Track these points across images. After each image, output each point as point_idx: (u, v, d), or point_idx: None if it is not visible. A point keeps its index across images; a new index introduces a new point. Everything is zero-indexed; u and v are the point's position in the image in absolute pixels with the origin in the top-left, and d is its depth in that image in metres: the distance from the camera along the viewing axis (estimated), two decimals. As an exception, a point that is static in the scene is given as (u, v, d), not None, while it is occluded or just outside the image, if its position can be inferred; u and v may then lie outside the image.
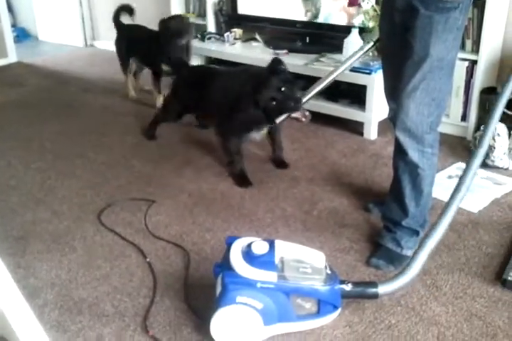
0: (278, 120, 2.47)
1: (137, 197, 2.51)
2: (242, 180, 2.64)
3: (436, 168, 2.01)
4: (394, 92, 1.97)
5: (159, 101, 3.55)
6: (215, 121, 2.83)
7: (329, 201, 2.45)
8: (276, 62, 2.52)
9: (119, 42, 3.83)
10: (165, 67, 3.48)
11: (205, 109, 2.92)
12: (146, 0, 4.75)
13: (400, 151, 1.94)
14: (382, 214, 2.15)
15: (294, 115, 2.45)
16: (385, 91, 2.15)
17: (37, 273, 2.01)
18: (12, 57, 4.93)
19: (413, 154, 1.90)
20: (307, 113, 2.48)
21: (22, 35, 5.81)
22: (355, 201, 2.44)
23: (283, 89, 2.42)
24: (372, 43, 2.25)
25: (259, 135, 2.70)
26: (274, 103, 2.42)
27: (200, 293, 1.83)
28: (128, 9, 3.77)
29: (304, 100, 2.42)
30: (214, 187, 2.60)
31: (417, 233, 2.03)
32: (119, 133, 3.27)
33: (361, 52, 2.30)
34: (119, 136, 3.24)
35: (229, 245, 1.67)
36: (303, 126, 3.24)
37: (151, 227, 2.27)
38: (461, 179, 1.77)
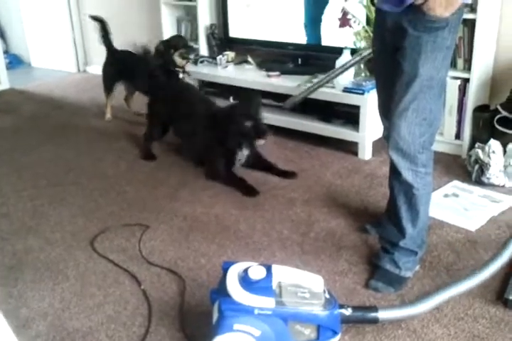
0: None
1: (131, 222, 2.48)
2: (247, 189, 2.74)
3: (431, 188, 1.99)
4: (387, 112, 1.96)
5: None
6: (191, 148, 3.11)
7: (326, 222, 2.42)
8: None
9: (107, 66, 3.89)
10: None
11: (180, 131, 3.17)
12: (138, 24, 4.79)
13: (394, 171, 1.92)
14: (379, 235, 2.13)
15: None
16: (379, 110, 2.14)
17: (29, 302, 1.96)
18: (4, 83, 4.94)
19: (406, 174, 1.88)
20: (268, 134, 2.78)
21: (15, 61, 5.82)
22: (352, 222, 2.41)
23: (246, 123, 2.76)
24: (369, 51, 2.25)
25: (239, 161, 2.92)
26: (248, 127, 2.75)
27: (197, 321, 1.78)
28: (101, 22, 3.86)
29: (298, 99, 2.50)
30: (209, 210, 2.57)
31: (415, 253, 2.00)
32: (112, 158, 3.25)
33: (358, 58, 2.31)
34: (112, 160, 3.22)
35: (225, 270, 1.64)
36: (294, 147, 3.26)
37: (145, 253, 2.23)
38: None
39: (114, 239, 2.35)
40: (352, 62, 2.34)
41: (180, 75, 3.51)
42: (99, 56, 4.05)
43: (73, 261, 2.21)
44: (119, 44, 3.89)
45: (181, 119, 3.08)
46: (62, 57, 5.55)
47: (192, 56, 3.60)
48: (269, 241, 2.29)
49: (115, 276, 2.09)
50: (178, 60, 3.50)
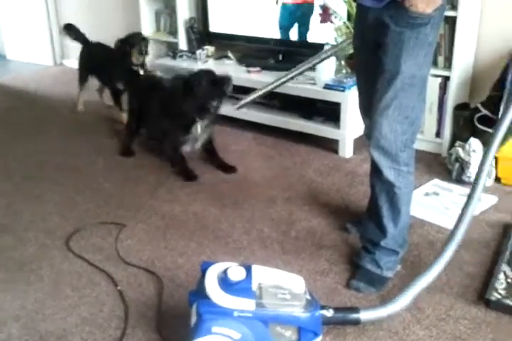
0: (240, 103, 2.70)
1: (107, 220, 2.42)
2: (187, 174, 2.82)
3: (413, 187, 1.97)
4: (369, 109, 1.93)
5: (123, 117, 3.55)
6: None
7: (307, 221, 2.39)
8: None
9: (81, 57, 3.90)
10: (121, 86, 3.55)
11: (149, 122, 3.13)
12: (116, 18, 4.69)
13: (375, 170, 1.90)
14: (360, 234, 2.11)
15: None
16: (360, 108, 2.12)
17: (0, 304, 1.90)
18: (-22, 76, 4.81)
19: (388, 173, 1.86)
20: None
21: (-12, 54, 5.68)
22: (333, 221, 2.39)
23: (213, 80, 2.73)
24: (344, 40, 2.23)
25: (195, 141, 2.90)
26: (204, 88, 2.71)
27: (175, 323, 1.74)
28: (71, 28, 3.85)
29: (277, 84, 2.59)
30: (187, 208, 2.53)
31: (396, 253, 1.98)
32: (89, 154, 3.18)
33: (334, 49, 2.30)
34: (89, 156, 3.15)
35: (204, 271, 1.59)
36: (274, 144, 3.22)
37: (122, 253, 2.18)
38: (462, 211, 1.81)
39: (90, 238, 2.29)
40: (316, 58, 2.32)
41: (141, 72, 3.52)
42: (76, 49, 3.95)
43: (47, 260, 2.14)
44: (98, 38, 3.81)
45: (150, 113, 3.07)
46: (38, 49, 5.42)
47: (149, 49, 3.58)
48: (249, 240, 2.25)
49: (91, 277, 2.03)
50: (134, 57, 3.50)
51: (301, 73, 2.66)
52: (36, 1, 5.20)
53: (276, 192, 2.68)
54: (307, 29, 3.43)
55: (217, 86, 2.74)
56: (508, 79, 2.72)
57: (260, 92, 2.67)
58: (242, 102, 2.69)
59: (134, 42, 3.51)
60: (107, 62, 3.60)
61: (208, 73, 2.80)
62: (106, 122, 3.68)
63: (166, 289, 1.94)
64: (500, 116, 1.81)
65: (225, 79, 2.74)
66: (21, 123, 3.72)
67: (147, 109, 3.07)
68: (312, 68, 3.16)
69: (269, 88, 2.68)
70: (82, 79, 3.88)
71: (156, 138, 3.10)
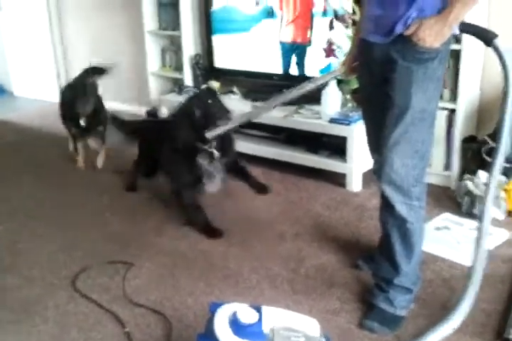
0: (211, 133, 2.42)
1: (114, 259, 2.38)
2: (210, 230, 2.57)
3: (424, 221, 1.94)
4: (377, 145, 1.92)
5: (79, 161, 3.57)
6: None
7: (316, 258, 2.35)
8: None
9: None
10: (73, 130, 3.50)
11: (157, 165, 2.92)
12: (123, 54, 4.75)
13: (386, 205, 1.87)
14: (372, 271, 2.06)
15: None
16: (368, 144, 2.10)
17: (4, 347, 1.85)
18: (-15, 113, 4.85)
19: (400, 208, 1.83)
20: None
21: (-4, 91, 5.74)
22: (344, 257, 2.34)
23: (209, 101, 2.53)
24: (336, 73, 2.24)
25: (212, 184, 2.64)
26: (199, 113, 2.49)
27: (184, 367, 1.69)
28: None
29: (274, 104, 2.44)
30: (195, 246, 2.49)
31: (410, 291, 1.93)
32: (95, 191, 3.16)
33: (321, 80, 2.30)
34: (95, 194, 3.13)
35: (213, 313, 1.55)
36: (281, 178, 3.20)
37: (129, 292, 2.13)
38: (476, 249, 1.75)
39: (97, 277, 2.25)
40: (322, 79, 2.32)
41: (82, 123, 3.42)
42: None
43: (53, 301, 2.10)
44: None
45: (158, 156, 2.85)
46: (44, 86, 5.48)
47: (89, 108, 3.38)
48: (259, 279, 2.21)
49: (97, 318, 1.99)
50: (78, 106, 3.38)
51: (287, 100, 2.63)
52: (43, 38, 5.29)
53: (285, 227, 2.64)
54: (302, 65, 3.45)
55: (211, 114, 2.50)
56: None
57: (248, 116, 2.58)
58: (230, 124, 2.47)
59: (76, 92, 3.41)
60: (67, 106, 3.52)
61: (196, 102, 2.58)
62: (110, 159, 3.66)
63: (174, 330, 1.89)
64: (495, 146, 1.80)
65: (217, 109, 2.54)
66: (25, 161, 3.71)
67: (154, 152, 2.87)
68: (316, 101, 3.18)
69: (258, 112, 2.66)
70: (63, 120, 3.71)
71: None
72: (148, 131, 3.07)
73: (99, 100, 3.51)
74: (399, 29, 1.69)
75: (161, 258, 2.39)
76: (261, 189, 2.75)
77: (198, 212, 2.62)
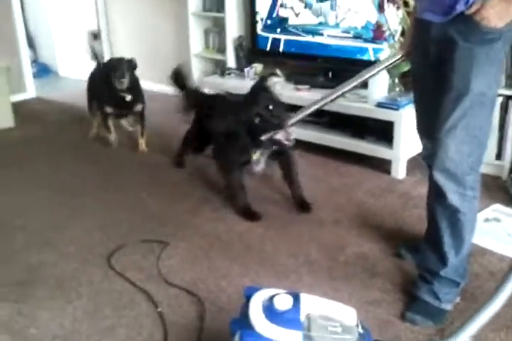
0: (263, 137, 2.36)
1: (150, 238, 2.35)
2: (248, 213, 2.51)
3: (477, 212, 1.82)
4: (429, 130, 1.81)
5: (112, 138, 3.52)
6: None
7: (357, 246, 2.26)
8: (261, 81, 2.57)
9: (88, 80, 3.73)
10: (109, 109, 3.42)
11: (209, 140, 2.86)
12: (166, 37, 4.71)
13: (437, 194, 1.76)
14: (417, 262, 1.96)
15: (277, 136, 2.35)
16: (418, 129, 1.98)
17: (39, 322, 1.84)
18: (31, 92, 4.90)
19: (453, 197, 1.72)
20: (291, 136, 2.39)
21: (42, 70, 5.80)
22: (386, 246, 2.25)
23: (270, 107, 2.38)
24: (394, 59, 2.10)
25: (257, 163, 2.55)
26: (259, 120, 2.35)
27: (216, 350, 1.64)
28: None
29: (325, 101, 2.33)
30: (232, 228, 2.44)
31: (457, 284, 1.83)
32: (133, 169, 3.15)
33: (382, 66, 2.16)
34: (133, 171, 3.12)
35: (248, 298, 1.48)
36: (323, 164, 3.11)
37: (163, 272, 2.10)
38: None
39: (132, 256, 2.22)
40: (372, 72, 2.18)
41: (127, 98, 3.34)
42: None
43: (87, 277, 2.09)
44: (149, 57, 3.79)
45: (210, 132, 2.76)
46: (89, 67, 5.50)
47: (126, 80, 3.28)
48: (296, 264, 2.14)
49: (131, 296, 1.96)
50: (116, 82, 3.28)
51: (350, 90, 2.53)
52: (88, 18, 5.30)
53: (325, 214, 2.56)
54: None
55: (268, 122, 2.37)
56: None
57: (308, 111, 2.53)
58: (291, 122, 2.51)
59: (112, 67, 3.31)
60: (100, 86, 3.46)
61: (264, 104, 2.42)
62: (151, 141, 3.61)
63: (207, 313, 1.84)
64: None
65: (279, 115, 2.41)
66: (70, 140, 3.73)
67: (208, 128, 2.75)
68: (363, 85, 3.05)
69: (318, 106, 2.55)
70: (89, 103, 3.73)
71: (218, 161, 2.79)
72: (210, 106, 2.85)
73: (135, 78, 3.42)
74: (460, 7, 1.57)
75: (196, 239, 2.35)
76: (302, 206, 2.59)
77: (241, 192, 2.57)
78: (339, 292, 1.94)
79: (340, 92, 2.33)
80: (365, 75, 2.24)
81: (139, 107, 3.45)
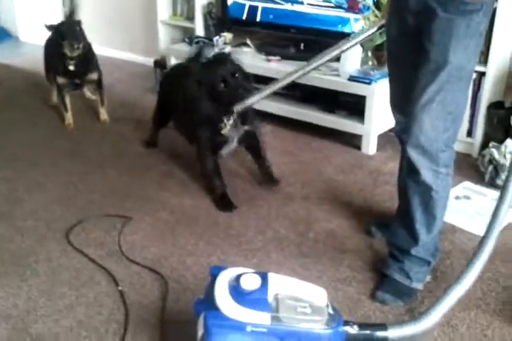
0: (236, 108, 2.22)
1: (112, 212, 2.25)
2: (225, 203, 2.34)
3: (450, 190, 1.78)
4: (403, 104, 1.74)
5: (68, 118, 3.27)
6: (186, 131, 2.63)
7: (327, 222, 2.21)
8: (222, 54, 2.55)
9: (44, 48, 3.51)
10: (61, 80, 3.20)
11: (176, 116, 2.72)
12: (132, 2, 4.51)
13: (410, 171, 1.70)
14: (387, 239, 1.92)
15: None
16: (392, 103, 1.91)
17: (-8, 301, 1.74)
18: (-12, 57, 4.66)
19: (426, 174, 1.67)
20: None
21: (2, 35, 5.51)
22: (355, 223, 2.20)
23: (236, 74, 2.28)
24: (375, 28, 2.00)
25: (229, 141, 2.41)
26: (223, 86, 2.25)
27: (179, 331, 1.57)
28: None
29: (297, 75, 2.20)
30: (199, 203, 2.35)
31: (428, 263, 1.79)
32: (95, 139, 3.02)
33: (361, 37, 2.06)
34: (95, 141, 2.98)
35: (213, 277, 1.42)
36: (293, 138, 3.04)
37: (125, 249, 2.01)
38: (493, 216, 1.54)
39: (92, 231, 2.13)
40: (340, 46, 2.10)
41: (71, 67, 3.12)
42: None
43: (45, 254, 1.98)
44: (112, 22, 3.61)
45: (176, 107, 2.68)
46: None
47: (80, 46, 3.07)
48: (264, 241, 2.07)
49: (90, 274, 1.87)
50: (67, 50, 3.07)
51: (325, 62, 2.44)
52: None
53: (294, 189, 2.49)
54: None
55: (235, 92, 2.25)
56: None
57: (281, 83, 2.42)
58: (257, 97, 2.28)
59: (64, 33, 3.08)
60: (52, 53, 3.25)
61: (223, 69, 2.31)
62: (113, 106, 3.46)
63: (171, 292, 1.77)
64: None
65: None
66: (28, 107, 3.55)
67: (174, 102, 2.68)
68: (336, 58, 2.96)
69: (292, 78, 2.46)
70: (46, 71, 3.49)
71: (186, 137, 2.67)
72: (176, 79, 2.77)
73: (88, 44, 3.20)
74: None
75: (161, 213, 2.26)
76: (270, 182, 2.52)
77: (218, 179, 2.40)
78: (308, 270, 1.89)
79: (315, 65, 2.23)
80: (342, 47, 2.14)
81: (93, 76, 3.24)
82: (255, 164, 2.57)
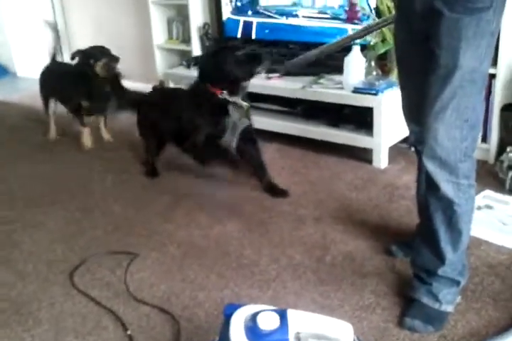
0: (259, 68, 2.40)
1: (117, 249, 2.13)
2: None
3: (474, 202, 1.65)
4: (416, 113, 1.62)
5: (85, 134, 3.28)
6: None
7: (343, 244, 2.08)
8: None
9: (40, 79, 3.52)
10: (85, 103, 3.19)
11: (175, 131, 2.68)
12: (126, 27, 4.47)
13: (429, 185, 1.58)
14: (411, 260, 1.78)
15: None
16: (404, 112, 1.79)
17: (-8, 354, 1.62)
18: (-14, 95, 4.62)
19: (446, 188, 1.55)
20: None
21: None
22: (374, 242, 2.07)
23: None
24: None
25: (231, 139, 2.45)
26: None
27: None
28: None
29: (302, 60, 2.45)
30: (207, 233, 2.23)
31: (457, 283, 1.66)
32: (98, 173, 2.91)
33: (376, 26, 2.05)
34: (98, 175, 2.88)
35: (228, 317, 1.29)
36: (300, 156, 2.93)
37: (132, 288, 1.88)
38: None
39: (97, 271, 2.01)
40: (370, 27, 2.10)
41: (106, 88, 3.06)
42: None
43: (48, 299, 1.86)
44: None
45: (172, 123, 2.66)
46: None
47: (117, 65, 3.08)
48: (279, 269, 1.95)
49: (97, 319, 1.74)
50: (100, 71, 3.07)
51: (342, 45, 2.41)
52: (44, 12, 5.02)
53: (306, 210, 2.37)
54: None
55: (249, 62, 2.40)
56: None
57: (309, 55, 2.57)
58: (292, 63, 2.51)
59: (97, 55, 3.08)
60: (66, 79, 3.23)
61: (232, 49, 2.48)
62: (116, 141, 3.40)
63: (183, 332, 1.64)
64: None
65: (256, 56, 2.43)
66: (27, 144, 3.47)
67: (167, 120, 2.68)
68: (337, 70, 2.86)
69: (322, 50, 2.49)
70: (45, 103, 3.50)
71: (189, 148, 2.64)
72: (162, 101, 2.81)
73: None
74: None
75: (168, 247, 2.14)
76: (278, 194, 2.51)
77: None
78: (329, 298, 1.76)
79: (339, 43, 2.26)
80: (341, 41, 2.11)
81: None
82: (258, 180, 2.56)
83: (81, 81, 3.12)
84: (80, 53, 3.15)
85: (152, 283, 1.91)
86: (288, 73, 3.20)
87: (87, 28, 4.77)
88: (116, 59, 3.07)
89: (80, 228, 2.34)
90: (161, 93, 3.09)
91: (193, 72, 3.51)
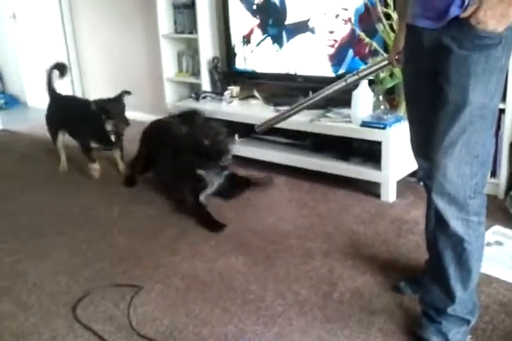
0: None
1: (121, 281, 2.11)
2: (213, 223, 2.55)
3: (484, 240, 1.63)
4: (425, 148, 1.61)
5: (94, 169, 3.34)
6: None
7: (351, 280, 2.05)
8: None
9: (49, 111, 3.60)
10: (93, 144, 3.29)
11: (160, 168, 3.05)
12: (137, 60, 4.54)
13: (438, 221, 1.56)
14: (419, 297, 1.74)
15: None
16: (413, 147, 1.79)
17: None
18: (-3, 124, 4.67)
19: (456, 225, 1.53)
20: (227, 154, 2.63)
21: (10, 101, 5.57)
22: (382, 279, 2.04)
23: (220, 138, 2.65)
24: (382, 64, 2.02)
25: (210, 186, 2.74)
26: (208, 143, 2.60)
27: None
28: (61, 67, 3.55)
29: (299, 108, 2.44)
30: (211, 266, 2.21)
31: (467, 322, 1.62)
32: (105, 204, 2.91)
33: (368, 71, 2.08)
34: (104, 206, 2.88)
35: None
36: (309, 189, 2.93)
37: (135, 322, 1.85)
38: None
39: (101, 304, 1.98)
40: (341, 81, 2.16)
41: (112, 138, 3.21)
42: (99, 94, 3.71)
43: (49, 332, 1.83)
44: (118, 81, 3.61)
45: (161, 159, 3.00)
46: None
47: (125, 127, 3.14)
48: (285, 305, 1.91)
49: (98, 354, 1.71)
50: (109, 128, 3.13)
51: (332, 94, 2.39)
52: (57, 48, 5.12)
53: (313, 244, 2.34)
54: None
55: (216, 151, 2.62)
56: None
57: (283, 116, 2.56)
58: (263, 126, 2.58)
59: (111, 112, 3.10)
60: (81, 118, 3.26)
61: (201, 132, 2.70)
62: (116, 170, 3.42)
63: (186, 370, 1.61)
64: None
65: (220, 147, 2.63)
66: (36, 174, 3.48)
67: (158, 155, 3.00)
68: (345, 104, 2.88)
69: (292, 112, 2.49)
70: (53, 134, 3.55)
71: (167, 185, 2.97)
72: (159, 135, 3.10)
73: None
74: (454, 11, 1.39)
75: (172, 280, 2.11)
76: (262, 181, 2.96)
77: (202, 208, 2.66)
78: (335, 336, 1.72)
79: (321, 95, 2.27)
80: (348, 80, 2.12)
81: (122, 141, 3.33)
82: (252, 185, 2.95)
83: (92, 124, 3.16)
84: (97, 104, 3.16)
85: (155, 317, 1.88)
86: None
87: (99, 61, 4.85)
88: (126, 122, 3.11)
89: (85, 259, 2.32)
90: (161, 127, 3.23)
91: (202, 105, 3.59)
